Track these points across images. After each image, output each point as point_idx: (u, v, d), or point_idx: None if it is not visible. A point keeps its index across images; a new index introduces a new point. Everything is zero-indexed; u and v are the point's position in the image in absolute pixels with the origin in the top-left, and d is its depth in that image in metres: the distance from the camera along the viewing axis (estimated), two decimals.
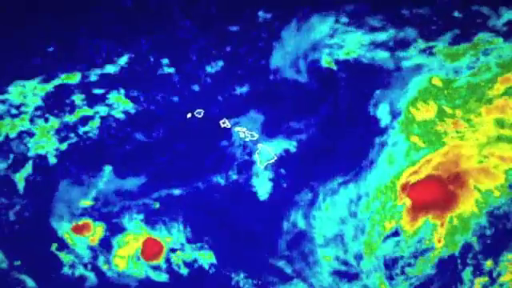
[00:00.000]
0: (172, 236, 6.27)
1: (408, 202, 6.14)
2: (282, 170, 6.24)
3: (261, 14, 6.24)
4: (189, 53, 6.30)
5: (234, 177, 6.25)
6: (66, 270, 6.24)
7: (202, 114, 6.26)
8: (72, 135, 6.26)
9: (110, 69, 6.28)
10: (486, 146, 6.05)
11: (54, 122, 6.24)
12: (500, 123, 6.04)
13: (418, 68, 6.13)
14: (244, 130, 6.24)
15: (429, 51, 6.12)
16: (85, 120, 6.27)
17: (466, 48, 6.09)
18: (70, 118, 6.26)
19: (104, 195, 6.26)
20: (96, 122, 6.28)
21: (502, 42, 6.03)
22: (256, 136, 6.24)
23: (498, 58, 6.05)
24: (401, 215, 6.12)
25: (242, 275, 6.25)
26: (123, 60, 6.27)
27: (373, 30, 6.16)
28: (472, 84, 6.08)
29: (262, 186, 6.24)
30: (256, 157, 6.24)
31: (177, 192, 6.27)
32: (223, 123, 6.24)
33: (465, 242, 6.07)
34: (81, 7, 6.28)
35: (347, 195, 6.18)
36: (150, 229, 6.28)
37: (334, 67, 6.21)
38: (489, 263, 6.03)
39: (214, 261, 6.25)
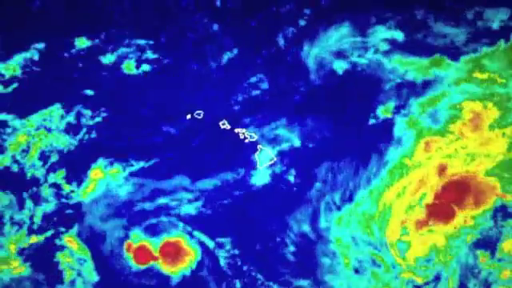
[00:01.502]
0: (176, 236, 6.32)
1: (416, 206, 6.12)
2: (283, 171, 6.21)
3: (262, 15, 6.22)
4: (189, 53, 6.28)
5: (234, 178, 6.24)
6: (73, 272, 6.36)
7: (202, 115, 6.24)
8: (70, 136, 6.31)
9: (109, 69, 6.32)
10: (481, 161, 6.00)
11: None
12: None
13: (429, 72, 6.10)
14: (244, 132, 6.21)
15: (435, 60, 6.06)
16: (87, 119, 6.32)
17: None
18: (69, 118, 6.33)
19: (107, 197, 6.33)
20: (97, 122, 6.32)
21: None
22: (255, 137, 6.21)
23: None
24: (411, 218, 6.09)
25: (253, 275, 6.26)
26: (122, 60, 6.31)
27: (384, 34, 6.10)
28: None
29: (262, 187, 6.23)
30: (256, 158, 6.21)
31: (177, 194, 6.31)
32: (223, 124, 6.22)
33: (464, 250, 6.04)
34: (85, 3, 6.31)
35: (356, 198, 6.15)
36: (153, 229, 6.33)
37: (345, 71, 6.15)
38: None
39: (219, 262, 6.28)
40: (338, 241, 6.14)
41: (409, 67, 6.07)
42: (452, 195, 6.03)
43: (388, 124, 6.11)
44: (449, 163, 6.04)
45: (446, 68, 6.03)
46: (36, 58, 6.24)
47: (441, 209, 6.05)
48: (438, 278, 6.02)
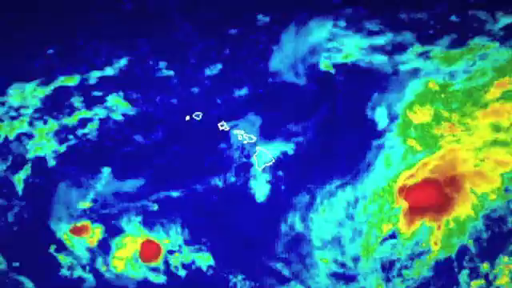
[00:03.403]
0: (170, 238, 6.28)
1: (405, 204, 6.15)
2: (280, 173, 6.26)
3: (260, 17, 6.24)
4: (188, 55, 6.31)
5: (232, 179, 6.27)
6: (65, 272, 6.25)
7: (201, 116, 6.27)
8: (71, 137, 6.27)
9: (109, 71, 6.30)
10: (481, 150, 6.04)
11: (53, 124, 6.25)
12: (495, 127, 6.04)
13: (415, 72, 6.11)
14: (242, 133, 6.25)
15: (426, 55, 6.09)
16: (84, 122, 6.29)
17: (462, 52, 6.05)
18: (68, 120, 6.27)
19: (103, 197, 6.27)
20: (95, 125, 6.29)
21: (497, 47, 6.00)
22: (254, 138, 6.25)
23: (493, 62, 6.02)
24: (398, 218, 6.13)
25: (239, 277, 6.26)
26: (122, 62, 6.30)
27: (370, 33, 6.15)
28: (468, 88, 6.06)
29: (260, 189, 6.26)
30: (254, 159, 6.25)
31: (175, 194, 6.30)
32: (221, 126, 6.25)
33: (461, 244, 6.08)
34: (80, 9, 6.30)
35: (344, 198, 6.19)
36: (148, 231, 6.29)
37: (332, 70, 6.20)
38: (485, 266, 6.04)
39: (212, 263, 6.27)
40: (320, 240, 6.21)
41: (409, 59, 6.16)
42: (449, 189, 6.14)
43: (377, 126, 6.19)
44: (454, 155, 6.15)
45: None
46: None
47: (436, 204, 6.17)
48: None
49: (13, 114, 6.26)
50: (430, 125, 6.13)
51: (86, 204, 6.25)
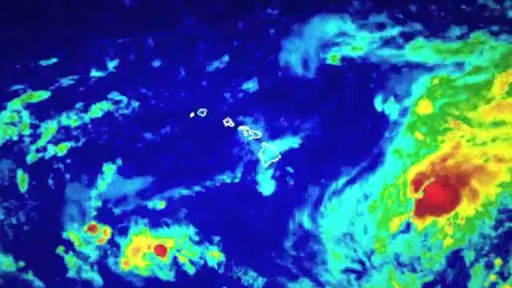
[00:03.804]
0: (178, 235, 6.28)
1: (415, 199, 6.09)
2: (287, 169, 6.21)
3: (269, 11, 6.20)
4: (192, 51, 6.28)
5: (238, 176, 6.24)
6: (73, 272, 6.30)
7: (205, 113, 6.23)
8: (76, 135, 6.28)
9: (113, 68, 6.30)
10: (488, 146, 5.97)
11: (60, 122, 6.28)
12: (500, 123, 5.96)
13: (424, 65, 6.05)
14: (248, 129, 6.21)
15: (435, 49, 6.03)
16: (89, 120, 6.29)
17: (471, 45, 5.98)
18: (74, 118, 6.29)
19: (109, 196, 6.29)
20: (100, 122, 6.29)
21: (502, 40, 5.92)
22: (260, 134, 6.21)
23: (500, 56, 5.94)
24: (409, 212, 6.07)
25: (248, 274, 6.25)
26: (126, 59, 6.30)
27: (379, 27, 6.08)
28: (475, 82, 5.98)
29: (267, 185, 6.22)
30: (260, 155, 6.21)
31: (181, 191, 6.29)
32: (227, 122, 6.22)
33: (474, 239, 6.01)
34: (85, 7, 6.30)
35: (354, 192, 6.15)
36: (155, 228, 6.30)
37: (340, 64, 6.14)
38: (498, 261, 5.97)
39: (221, 260, 6.26)
40: (329, 235, 6.18)
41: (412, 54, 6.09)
42: (458, 184, 6.07)
43: (386, 120, 6.14)
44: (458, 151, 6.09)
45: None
46: None
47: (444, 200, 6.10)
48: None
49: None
50: (438, 119, 6.06)
51: (94, 203, 6.28)
